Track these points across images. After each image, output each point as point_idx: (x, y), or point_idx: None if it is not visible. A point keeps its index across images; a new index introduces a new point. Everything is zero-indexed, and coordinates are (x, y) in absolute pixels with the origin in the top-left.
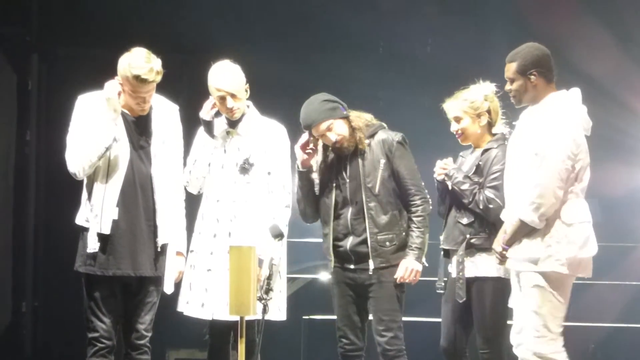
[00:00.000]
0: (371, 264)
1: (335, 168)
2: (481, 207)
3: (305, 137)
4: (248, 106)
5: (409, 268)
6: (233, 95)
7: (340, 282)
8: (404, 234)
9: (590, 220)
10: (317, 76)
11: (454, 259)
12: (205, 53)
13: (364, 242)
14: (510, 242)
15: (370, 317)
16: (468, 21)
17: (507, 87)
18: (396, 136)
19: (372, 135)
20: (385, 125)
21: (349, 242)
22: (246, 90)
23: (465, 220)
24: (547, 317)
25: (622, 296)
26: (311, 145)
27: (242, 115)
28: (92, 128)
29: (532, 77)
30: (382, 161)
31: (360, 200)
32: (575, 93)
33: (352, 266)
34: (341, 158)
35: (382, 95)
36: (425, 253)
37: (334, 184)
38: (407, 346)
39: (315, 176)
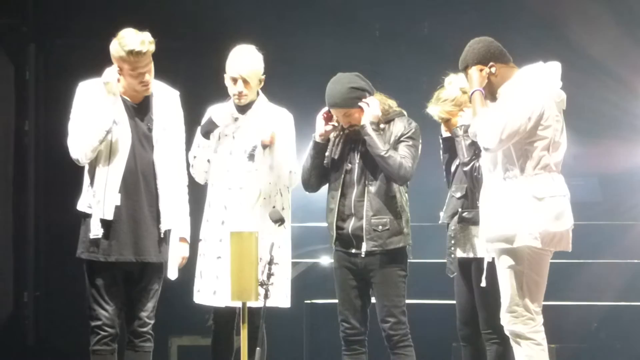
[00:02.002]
0: (364, 246)
1: (349, 147)
2: (475, 173)
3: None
4: (258, 93)
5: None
6: (245, 81)
7: (342, 266)
8: (398, 219)
9: (565, 194)
10: (314, 59)
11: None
12: (202, 40)
13: (362, 226)
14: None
15: (374, 301)
16: (464, 2)
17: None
18: (410, 125)
19: (388, 121)
20: (405, 112)
21: (350, 225)
22: (260, 81)
23: (458, 194)
24: (524, 296)
25: (623, 274)
26: (334, 119)
27: (252, 102)
28: (93, 113)
29: (491, 67)
30: (389, 146)
31: (364, 184)
32: (551, 66)
33: (353, 250)
34: (355, 139)
35: (378, 77)
36: (377, 145)
37: (345, 162)
38: (420, 329)
39: (328, 149)
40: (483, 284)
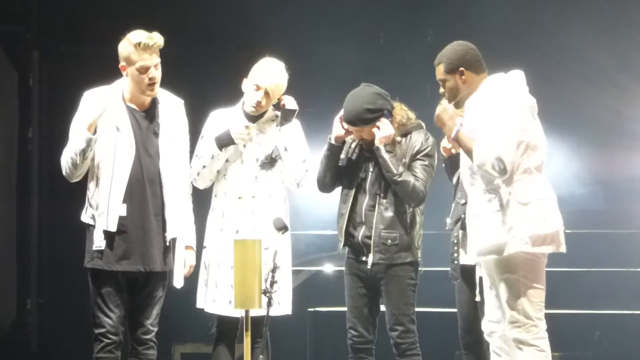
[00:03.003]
0: (371, 258)
1: (365, 155)
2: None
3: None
4: None
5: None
6: (268, 94)
7: (352, 273)
8: (408, 234)
9: (550, 196)
10: (319, 66)
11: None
12: (206, 47)
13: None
14: (458, 139)
15: (383, 308)
16: (468, 9)
17: (441, 90)
18: (427, 141)
19: (405, 134)
20: (423, 125)
21: (360, 233)
22: (279, 99)
23: (463, 201)
24: (524, 305)
25: (626, 283)
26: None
27: (263, 112)
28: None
29: (461, 74)
30: (405, 161)
31: (376, 193)
32: (515, 74)
33: (363, 258)
34: (372, 147)
35: (383, 85)
36: (390, 168)
37: (359, 169)
38: (423, 337)
39: (343, 152)
40: (478, 299)
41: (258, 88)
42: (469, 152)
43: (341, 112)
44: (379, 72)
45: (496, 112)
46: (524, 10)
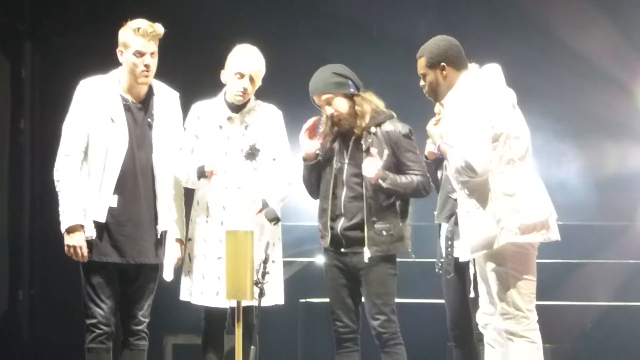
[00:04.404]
0: (367, 252)
1: (338, 146)
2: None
3: (310, 121)
4: None
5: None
6: (252, 79)
7: (333, 265)
8: (400, 224)
9: (536, 185)
10: (310, 59)
11: (442, 231)
12: (199, 39)
13: (356, 226)
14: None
15: (363, 300)
16: (461, 3)
17: (421, 82)
18: (403, 128)
19: (379, 124)
20: (394, 115)
21: (339, 225)
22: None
23: (455, 195)
24: (513, 296)
25: (618, 275)
26: (320, 129)
27: (246, 102)
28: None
29: (442, 69)
30: (387, 152)
31: (356, 184)
32: (489, 68)
33: (343, 249)
34: (345, 138)
35: (375, 78)
36: (397, 190)
37: (334, 162)
38: (409, 328)
39: (320, 159)
40: (472, 295)
41: (242, 76)
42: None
43: (305, 126)
44: (371, 65)
45: (466, 112)
46: (520, 5)
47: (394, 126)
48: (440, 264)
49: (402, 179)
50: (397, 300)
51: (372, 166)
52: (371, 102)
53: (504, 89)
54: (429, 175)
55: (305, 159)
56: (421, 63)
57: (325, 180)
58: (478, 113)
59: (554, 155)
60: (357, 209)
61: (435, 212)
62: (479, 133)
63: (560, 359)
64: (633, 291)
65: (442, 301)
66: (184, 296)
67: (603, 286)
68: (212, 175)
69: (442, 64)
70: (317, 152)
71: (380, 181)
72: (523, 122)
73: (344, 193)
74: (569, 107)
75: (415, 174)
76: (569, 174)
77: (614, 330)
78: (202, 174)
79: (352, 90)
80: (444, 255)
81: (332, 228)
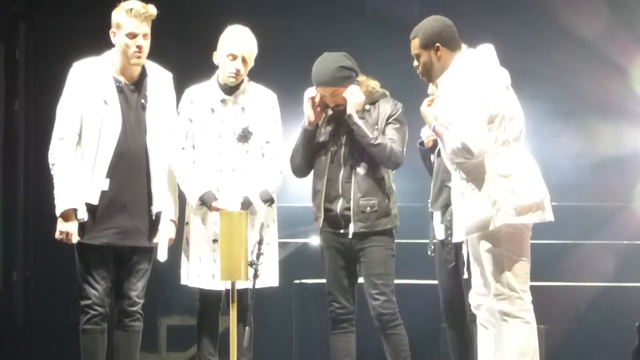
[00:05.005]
0: (351, 227)
1: (334, 128)
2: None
3: (313, 90)
4: None
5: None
6: (245, 60)
7: (330, 246)
8: (386, 200)
9: (530, 166)
10: (303, 40)
11: (435, 219)
12: (193, 22)
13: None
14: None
15: (361, 280)
16: None
17: (415, 63)
18: (396, 106)
19: (373, 103)
20: (387, 93)
21: (338, 206)
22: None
23: (451, 183)
24: (508, 277)
25: (612, 255)
26: (317, 100)
27: (239, 84)
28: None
29: (436, 49)
30: (377, 128)
31: (352, 164)
32: (483, 48)
33: (341, 231)
34: (341, 119)
35: (368, 59)
36: (366, 134)
37: (331, 144)
38: (403, 310)
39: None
40: (465, 276)
41: (234, 57)
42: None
43: (308, 95)
44: (365, 46)
45: (460, 93)
46: None
47: (387, 104)
48: (432, 247)
49: (376, 132)
50: None
51: (358, 96)
52: (367, 85)
53: (498, 70)
54: (402, 151)
55: (306, 126)
56: (415, 44)
57: (320, 161)
58: (474, 94)
59: (548, 136)
60: (351, 189)
61: (429, 200)
62: (475, 114)
63: (555, 339)
64: (627, 272)
65: (436, 282)
66: (184, 280)
67: (597, 267)
68: (212, 210)
69: (437, 44)
70: (318, 121)
71: (354, 113)
72: (517, 103)
73: (341, 174)
74: (564, 88)
75: (392, 141)
76: (563, 154)
77: (608, 311)
78: (204, 202)
79: (356, 81)
80: (444, 244)
81: (330, 210)
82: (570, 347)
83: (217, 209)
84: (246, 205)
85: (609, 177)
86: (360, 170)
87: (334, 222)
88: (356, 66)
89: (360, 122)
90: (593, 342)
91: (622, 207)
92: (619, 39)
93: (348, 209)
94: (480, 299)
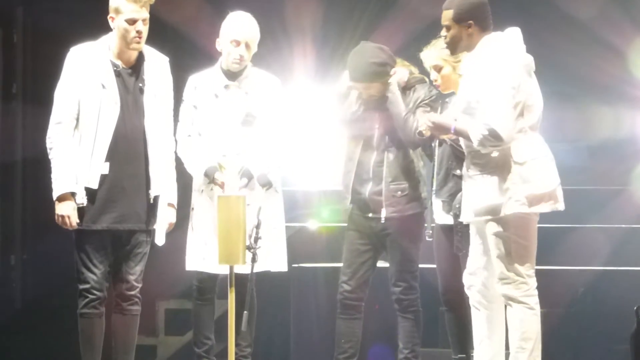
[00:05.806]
0: (383, 212)
1: (370, 113)
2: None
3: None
4: None
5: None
6: (248, 46)
7: (355, 229)
8: (416, 184)
9: (545, 155)
10: (307, 23)
11: (436, 204)
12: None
13: (381, 191)
14: (457, 132)
15: (384, 264)
16: None
17: (443, 32)
18: (431, 92)
19: (409, 88)
20: (426, 79)
21: (367, 189)
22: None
23: (459, 172)
24: (513, 261)
25: (610, 239)
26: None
27: (242, 69)
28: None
29: (468, 26)
30: (410, 109)
31: (384, 149)
32: (512, 32)
33: (370, 214)
34: (377, 105)
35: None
36: (398, 104)
37: (365, 128)
38: None
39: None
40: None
41: (238, 43)
42: (469, 139)
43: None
44: (369, 28)
45: (489, 76)
46: None
47: (423, 90)
48: (430, 232)
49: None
50: (386, 265)
51: (402, 73)
52: (406, 69)
53: (524, 55)
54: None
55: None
56: (447, 15)
57: (353, 144)
58: (503, 79)
59: (545, 119)
60: (382, 173)
61: (434, 188)
62: (504, 100)
63: (552, 323)
64: (625, 255)
65: (434, 266)
66: (189, 266)
67: (595, 251)
68: (221, 185)
69: (470, 21)
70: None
71: (395, 83)
72: (538, 90)
73: (373, 158)
74: (561, 71)
75: (418, 122)
76: (560, 138)
77: (606, 295)
78: (207, 176)
79: (390, 74)
80: (455, 232)
81: (359, 193)
82: (568, 330)
83: (221, 184)
84: (247, 175)
85: (606, 161)
86: (391, 155)
87: (362, 206)
88: (391, 58)
89: (397, 92)
90: (591, 326)
91: (620, 190)
92: (617, 21)
93: (377, 193)
94: (472, 279)
